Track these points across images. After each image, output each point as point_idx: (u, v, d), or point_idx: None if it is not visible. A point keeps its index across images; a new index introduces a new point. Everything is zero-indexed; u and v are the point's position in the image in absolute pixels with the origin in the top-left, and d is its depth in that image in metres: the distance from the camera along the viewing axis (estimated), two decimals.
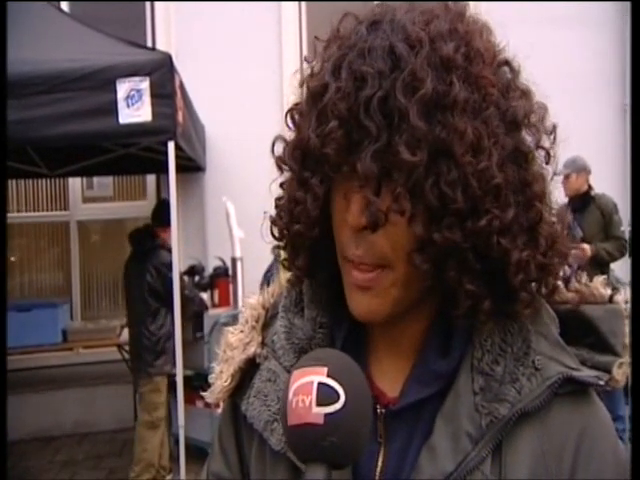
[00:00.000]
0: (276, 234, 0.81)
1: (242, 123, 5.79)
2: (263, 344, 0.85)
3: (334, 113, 0.68)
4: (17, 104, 3.32)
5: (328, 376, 0.64)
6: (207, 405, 4.69)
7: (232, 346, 0.86)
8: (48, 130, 3.42)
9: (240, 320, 0.89)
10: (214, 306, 5.31)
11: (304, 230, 0.75)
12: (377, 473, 0.76)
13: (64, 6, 5.78)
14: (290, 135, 0.78)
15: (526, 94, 0.74)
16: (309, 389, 0.64)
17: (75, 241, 6.50)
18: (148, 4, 6.22)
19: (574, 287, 0.82)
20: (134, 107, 3.44)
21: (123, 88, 3.43)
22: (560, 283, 0.79)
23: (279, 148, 0.79)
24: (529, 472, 0.70)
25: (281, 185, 0.81)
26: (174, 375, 4.14)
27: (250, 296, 0.92)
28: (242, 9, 6.04)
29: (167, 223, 4.27)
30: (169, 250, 4.38)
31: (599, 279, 0.83)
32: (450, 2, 0.74)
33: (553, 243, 0.74)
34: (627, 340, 0.78)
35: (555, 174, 0.77)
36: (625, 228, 4.90)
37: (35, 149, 5.01)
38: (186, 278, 5.27)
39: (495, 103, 0.69)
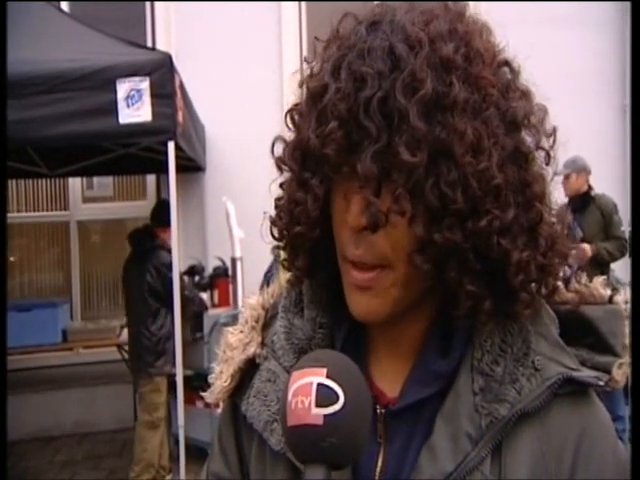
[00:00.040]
0: (276, 234, 0.81)
1: (242, 123, 5.79)
2: (263, 344, 0.85)
3: (334, 114, 0.68)
4: (17, 104, 3.32)
5: (327, 377, 0.64)
6: (207, 405, 4.69)
7: (232, 346, 0.86)
8: (48, 130, 3.42)
9: (240, 320, 0.89)
10: (214, 306, 5.31)
11: (304, 231, 0.75)
12: (377, 473, 0.76)
13: (64, 6, 5.78)
14: (290, 136, 0.78)
15: (526, 95, 0.74)
16: (308, 390, 0.64)
17: (75, 241, 6.51)
18: (148, 4, 6.23)
19: (574, 288, 0.82)
20: (134, 107, 3.44)
21: (123, 88, 3.43)
22: (560, 284, 0.79)
23: (279, 148, 0.79)
24: (529, 472, 0.70)
25: (281, 185, 0.81)
26: (174, 375, 4.14)
27: (250, 296, 0.92)
28: (242, 9, 6.04)
29: (166, 223, 4.27)
30: (169, 250, 4.38)
31: (599, 280, 0.83)
32: (450, 2, 0.74)
33: (553, 244, 0.74)
34: (627, 341, 0.78)
35: (555, 174, 0.77)
36: (625, 228, 4.90)
37: (35, 149, 5.01)
38: (186, 278, 5.27)
39: (495, 103, 0.69)
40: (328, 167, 0.69)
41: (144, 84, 3.44)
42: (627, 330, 0.78)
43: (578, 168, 4.95)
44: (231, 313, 4.84)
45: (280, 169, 0.79)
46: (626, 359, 0.76)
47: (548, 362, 0.73)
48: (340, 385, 0.64)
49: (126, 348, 5.22)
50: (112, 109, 3.43)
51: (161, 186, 6.17)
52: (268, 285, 0.93)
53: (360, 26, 0.72)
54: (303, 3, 6.33)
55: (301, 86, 0.77)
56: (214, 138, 5.97)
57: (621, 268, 5.04)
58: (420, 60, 0.66)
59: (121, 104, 3.43)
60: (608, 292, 0.81)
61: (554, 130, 0.76)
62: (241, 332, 0.87)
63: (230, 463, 0.87)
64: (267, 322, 0.88)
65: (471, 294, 0.70)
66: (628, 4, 5.15)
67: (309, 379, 0.64)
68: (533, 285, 0.73)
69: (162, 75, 3.52)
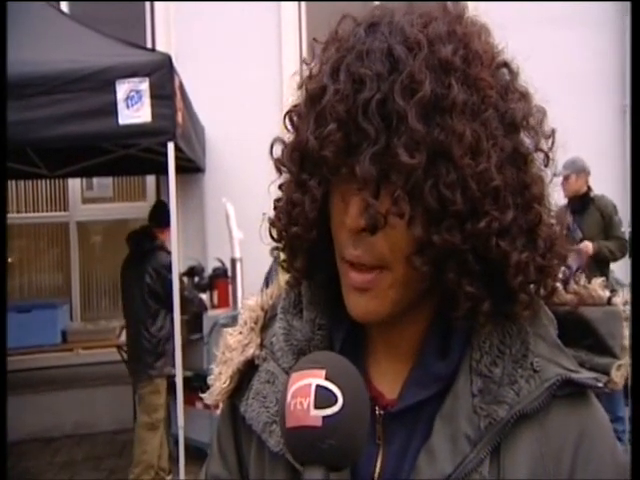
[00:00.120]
0: (275, 236, 0.81)
1: (242, 123, 5.79)
2: (262, 346, 0.85)
3: (332, 115, 0.68)
4: (17, 105, 3.32)
5: (326, 379, 0.64)
6: (206, 406, 4.69)
7: (231, 348, 0.87)
8: (48, 131, 3.42)
9: (239, 322, 0.89)
10: (213, 307, 5.31)
11: (302, 232, 0.75)
12: (376, 475, 0.76)
13: (64, 6, 5.78)
14: (289, 137, 0.78)
15: (525, 96, 0.74)
16: (307, 392, 0.64)
17: (75, 242, 6.50)
18: (148, 4, 6.23)
19: (573, 289, 0.82)
20: (134, 108, 3.44)
21: (123, 89, 3.43)
22: (559, 285, 0.79)
23: (278, 150, 0.79)
24: (527, 473, 0.70)
25: (280, 187, 0.81)
26: (174, 376, 4.14)
27: (249, 298, 0.92)
28: (242, 9, 6.04)
29: (164, 224, 4.27)
30: (168, 251, 4.38)
31: (597, 281, 0.83)
32: (449, 3, 0.74)
33: (552, 245, 0.74)
34: (626, 342, 0.78)
35: (555, 175, 0.77)
36: (625, 229, 4.90)
37: (35, 150, 5.01)
38: (185, 279, 5.26)
39: (494, 105, 0.69)
40: (326, 169, 0.69)
41: (144, 85, 3.44)
42: (626, 331, 0.78)
43: (577, 169, 4.95)
44: (231, 314, 4.84)
45: (279, 170, 0.79)
46: (625, 360, 0.76)
47: (547, 363, 0.73)
48: (339, 387, 0.64)
49: (126, 349, 5.22)
50: (112, 110, 3.43)
51: (161, 187, 6.17)
52: (268, 287, 0.93)
53: (359, 28, 0.72)
54: (303, 3, 6.33)
55: (300, 88, 0.77)
56: (214, 139, 5.97)
57: (621, 269, 5.04)
58: (419, 62, 0.66)
59: (121, 105, 3.43)
60: (607, 293, 0.81)
61: (553, 132, 0.76)
62: (240, 333, 0.87)
63: (229, 464, 0.87)
64: (266, 323, 0.88)
65: (470, 295, 0.70)
66: (628, 4, 5.15)
67: (308, 381, 0.64)
68: (532, 286, 0.73)
69: (162, 76, 3.52)
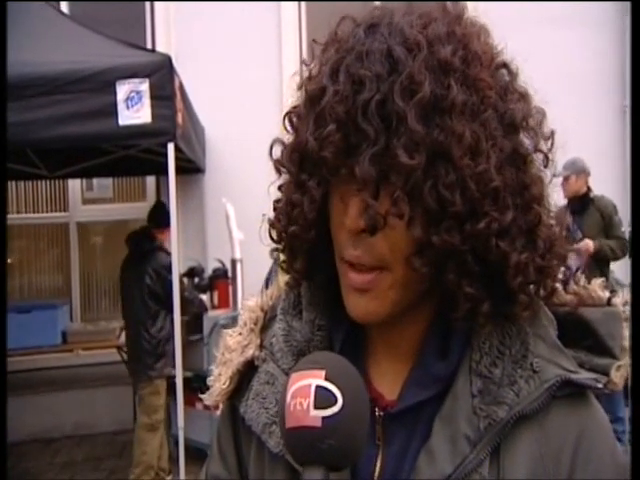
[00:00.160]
0: (274, 237, 0.81)
1: (242, 123, 5.79)
2: (261, 347, 0.85)
3: (332, 116, 0.68)
4: (17, 106, 3.32)
5: (326, 379, 0.64)
6: (207, 407, 4.69)
7: (230, 348, 0.86)
8: (48, 132, 3.42)
9: (239, 322, 0.89)
10: (213, 308, 5.31)
11: (301, 233, 0.75)
12: (375, 476, 0.76)
13: (64, 6, 5.79)
14: (288, 138, 0.78)
15: (524, 97, 0.74)
16: (307, 392, 0.64)
17: (75, 242, 6.50)
18: (148, 4, 6.23)
19: (572, 289, 0.82)
20: (134, 109, 3.44)
21: (123, 90, 3.43)
22: (558, 285, 0.79)
23: (277, 151, 0.79)
24: (527, 474, 0.70)
25: (279, 188, 0.81)
26: (174, 377, 4.14)
27: (249, 298, 0.92)
28: (242, 9, 6.04)
29: (163, 224, 4.27)
30: (168, 252, 4.37)
31: (597, 281, 0.83)
32: (448, 3, 0.74)
33: (551, 245, 0.74)
34: (625, 343, 0.78)
35: (555, 176, 0.77)
36: (625, 229, 4.90)
37: (35, 151, 5.02)
38: (185, 280, 5.26)
39: (493, 106, 0.69)
40: (326, 170, 0.69)
41: (144, 86, 3.44)
42: (625, 332, 0.78)
43: (577, 170, 4.94)
44: (231, 315, 4.84)
45: (278, 171, 0.79)
46: (624, 361, 0.76)
47: (546, 364, 0.73)
48: (338, 387, 0.64)
49: (126, 349, 5.22)
50: (112, 111, 3.44)
51: (161, 188, 6.17)
52: (268, 288, 0.93)
53: (358, 29, 0.72)
54: (303, 3, 6.33)
55: (299, 89, 0.77)
56: (214, 139, 5.97)
57: (621, 269, 5.04)
58: (418, 63, 0.66)
59: (121, 106, 3.43)
60: (606, 294, 0.81)
61: (552, 133, 0.76)
62: (240, 334, 0.87)
63: (229, 465, 0.88)
64: (266, 324, 0.88)
65: (469, 296, 0.70)
66: (628, 4, 5.15)
67: (307, 381, 0.64)
68: (532, 287, 0.73)
69: (162, 77, 3.52)
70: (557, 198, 0.79)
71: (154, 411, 4.61)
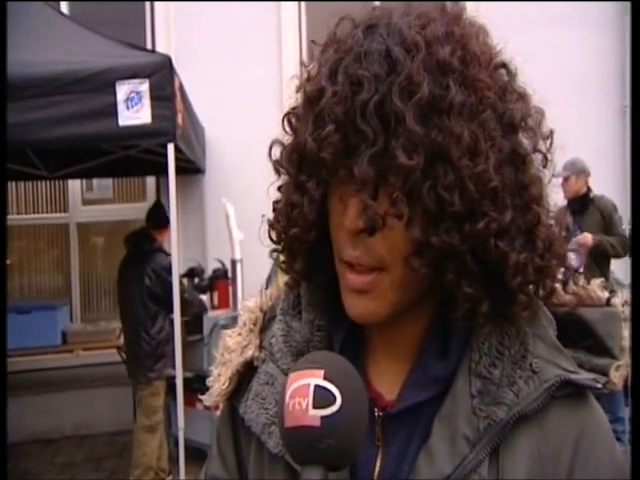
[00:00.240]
0: (274, 237, 0.81)
1: (242, 124, 5.79)
2: (261, 347, 0.85)
3: (331, 117, 0.68)
4: (17, 106, 3.32)
5: (325, 379, 0.64)
6: (207, 407, 4.68)
7: (230, 349, 0.86)
8: (48, 132, 3.42)
9: (238, 323, 0.89)
10: (213, 308, 5.31)
11: (301, 233, 0.75)
12: (375, 476, 0.76)
13: (63, 7, 5.79)
14: (287, 139, 0.78)
15: (523, 97, 0.74)
16: (306, 392, 0.64)
17: (75, 243, 6.50)
18: (148, 4, 6.23)
19: (572, 290, 0.82)
20: (134, 109, 3.44)
21: (123, 90, 3.43)
22: (558, 285, 0.79)
23: (276, 151, 0.79)
24: (526, 474, 0.70)
25: (279, 188, 0.81)
26: (174, 377, 4.13)
27: (248, 299, 0.92)
28: (242, 9, 6.04)
29: (162, 225, 4.26)
30: (167, 253, 4.36)
31: (596, 282, 0.83)
32: (447, 3, 0.74)
33: (551, 245, 0.74)
34: (625, 343, 0.78)
35: (554, 176, 0.77)
36: (625, 226, 4.90)
37: (35, 151, 5.02)
38: (185, 280, 5.26)
39: (492, 106, 0.69)
40: (325, 170, 0.70)
41: (144, 86, 3.44)
42: (625, 332, 0.78)
43: (577, 170, 4.94)
44: (231, 315, 4.85)
45: (278, 172, 0.79)
46: (624, 361, 0.76)
47: (546, 364, 0.73)
48: (337, 387, 0.64)
49: (125, 350, 5.21)
50: (112, 111, 3.43)
51: (161, 188, 6.17)
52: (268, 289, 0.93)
53: (357, 29, 0.72)
54: (303, 3, 6.33)
55: (298, 90, 0.77)
56: (214, 140, 5.97)
57: (621, 269, 5.03)
58: (417, 63, 0.66)
59: (121, 106, 3.43)
60: (606, 294, 0.81)
61: (551, 133, 0.76)
62: (239, 335, 0.87)
63: (228, 466, 0.88)
64: (265, 325, 0.88)
65: (469, 296, 0.70)
66: (628, 4, 5.15)
67: (306, 381, 0.64)
68: (531, 287, 0.73)
69: (162, 77, 3.52)
70: (557, 198, 0.79)
71: (153, 412, 4.61)
